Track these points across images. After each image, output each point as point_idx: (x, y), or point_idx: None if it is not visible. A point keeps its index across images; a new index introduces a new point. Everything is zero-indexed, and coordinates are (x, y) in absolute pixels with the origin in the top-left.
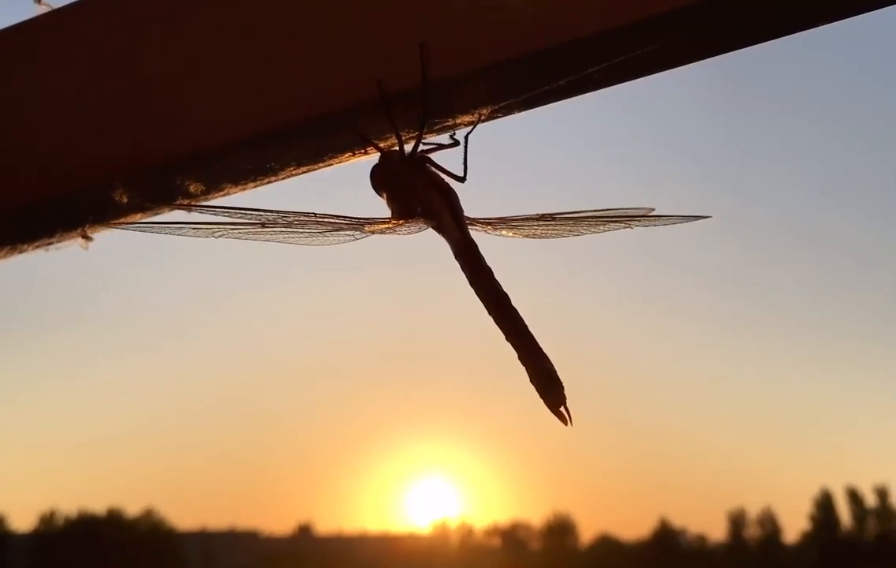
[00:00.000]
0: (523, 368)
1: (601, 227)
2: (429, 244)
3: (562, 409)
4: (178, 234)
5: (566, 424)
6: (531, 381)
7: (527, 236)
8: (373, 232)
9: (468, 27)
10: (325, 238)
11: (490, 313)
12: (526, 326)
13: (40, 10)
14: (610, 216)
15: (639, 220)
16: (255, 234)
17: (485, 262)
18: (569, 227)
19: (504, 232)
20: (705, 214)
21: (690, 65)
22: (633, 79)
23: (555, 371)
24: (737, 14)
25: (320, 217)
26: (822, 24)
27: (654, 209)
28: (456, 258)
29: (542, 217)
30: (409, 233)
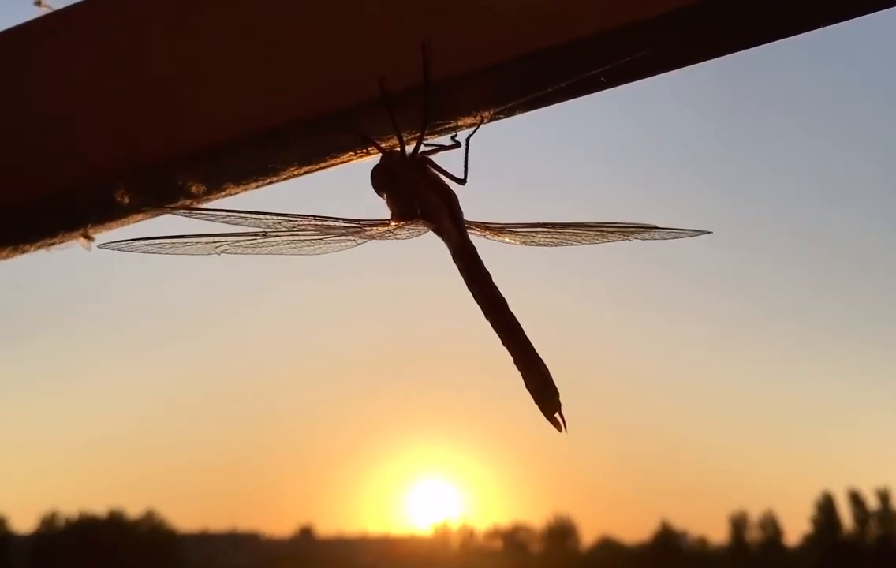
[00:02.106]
0: (518, 372)
1: (601, 239)
2: (429, 247)
3: (556, 415)
4: (181, 252)
5: (560, 431)
6: (526, 386)
7: (526, 243)
8: (372, 236)
9: (470, 26)
10: (327, 245)
11: (487, 317)
12: (522, 332)
13: (41, 11)
14: (610, 228)
15: (639, 234)
16: (258, 246)
17: (483, 266)
18: (568, 237)
19: (504, 238)
20: (705, 229)
21: (693, 66)
22: (636, 80)
23: (550, 377)
24: (737, 15)
25: (320, 219)
26: (828, 25)
27: (655, 226)
28: (454, 261)
29: (543, 225)
30: (408, 236)
